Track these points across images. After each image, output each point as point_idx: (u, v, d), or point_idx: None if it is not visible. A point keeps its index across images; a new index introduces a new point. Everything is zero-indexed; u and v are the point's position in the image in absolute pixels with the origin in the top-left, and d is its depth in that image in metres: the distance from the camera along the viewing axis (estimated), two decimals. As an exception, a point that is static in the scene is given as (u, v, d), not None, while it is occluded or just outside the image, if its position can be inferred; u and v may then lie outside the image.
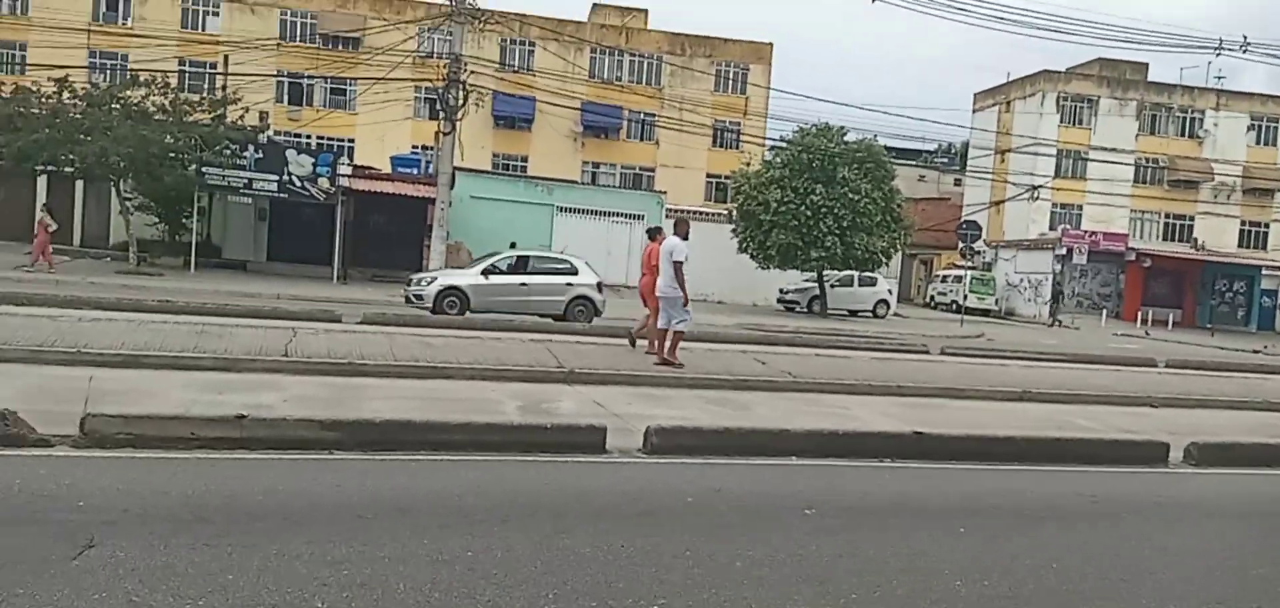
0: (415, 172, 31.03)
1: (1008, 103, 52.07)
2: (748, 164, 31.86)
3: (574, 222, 33.39)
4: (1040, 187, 43.94)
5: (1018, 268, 45.72)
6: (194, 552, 4.52)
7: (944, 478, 7.81)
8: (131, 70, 31.37)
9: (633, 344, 13.22)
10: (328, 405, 8.23)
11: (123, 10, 42.23)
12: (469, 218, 31.45)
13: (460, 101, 23.91)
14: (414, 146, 39.95)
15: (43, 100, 23.98)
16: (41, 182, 28.22)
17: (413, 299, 19.51)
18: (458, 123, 24.11)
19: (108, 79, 29.52)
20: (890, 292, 35.25)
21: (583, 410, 9.19)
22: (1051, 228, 47.14)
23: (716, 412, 9.87)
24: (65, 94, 24.27)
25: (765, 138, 42.06)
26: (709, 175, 46.40)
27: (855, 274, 32.55)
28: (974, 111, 55.03)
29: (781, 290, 33.01)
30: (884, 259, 30.45)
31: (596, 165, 46.18)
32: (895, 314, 35.00)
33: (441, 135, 24.33)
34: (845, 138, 29.77)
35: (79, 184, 28.86)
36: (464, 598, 4.29)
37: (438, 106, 24.62)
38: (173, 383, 8.91)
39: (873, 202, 28.70)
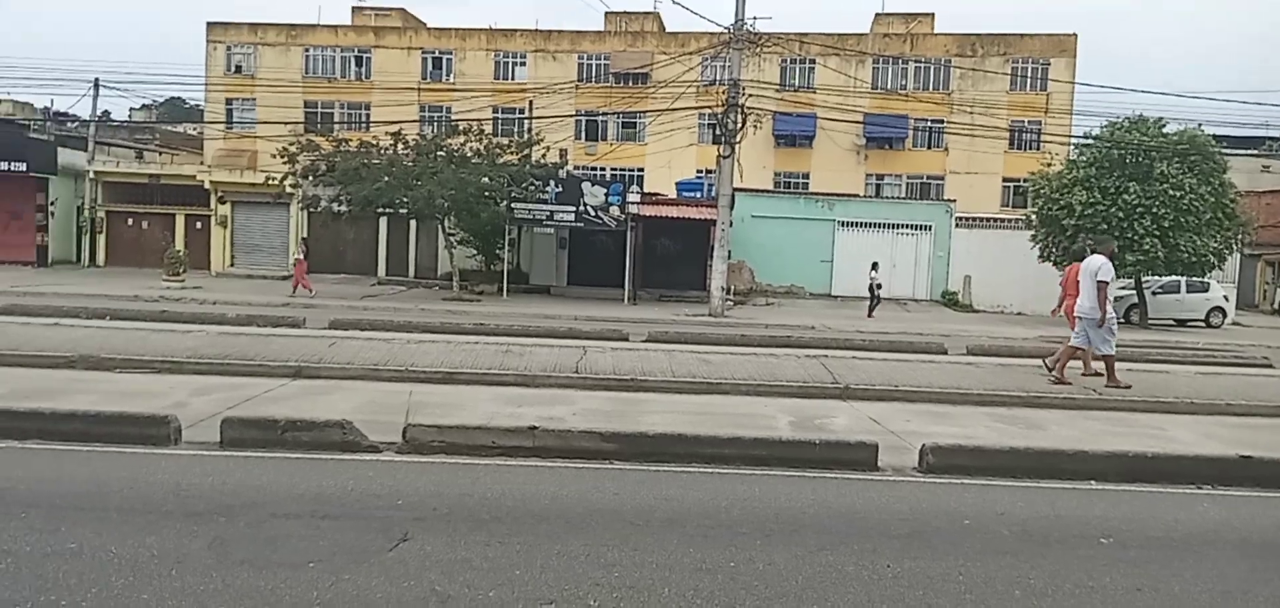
0: (699, 195, 31.98)
1: (1380, 73, 43.96)
2: (1049, 165, 29.47)
3: (856, 235, 32.70)
4: None
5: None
6: (488, 548, 5.05)
7: (1278, 508, 6.81)
8: (453, 120, 35.21)
9: (1048, 369, 12.36)
10: (609, 418, 8.76)
11: (446, 69, 47.48)
12: (750, 237, 31.87)
13: (739, 125, 24.36)
14: (698, 171, 41.19)
15: (381, 152, 27.59)
16: (382, 222, 32.41)
17: None
18: (737, 145, 24.56)
19: (434, 130, 33.31)
20: (1227, 298, 30.92)
21: (856, 427, 9.03)
22: None
23: (1004, 430, 9.27)
24: (399, 146, 27.74)
25: (1069, 136, 38.70)
26: (1005, 180, 43.50)
27: (1181, 280, 28.96)
28: (1334, 86, 47.02)
29: (1092, 300, 30.15)
30: (1216, 262, 26.80)
31: (880, 177, 44.89)
32: (1233, 323, 30.67)
33: (721, 159, 24.91)
34: (1163, 129, 26.67)
35: (412, 223, 32.76)
36: (724, 607, 4.43)
37: (718, 132, 25.25)
38: (480, 397, 9.92)
39: (1199, 198, 25.41)
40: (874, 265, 28.15)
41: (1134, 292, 28.71)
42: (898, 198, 41.82)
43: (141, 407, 8.04)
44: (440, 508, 5.76)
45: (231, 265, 33.91)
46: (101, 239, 34.83)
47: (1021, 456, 7.57)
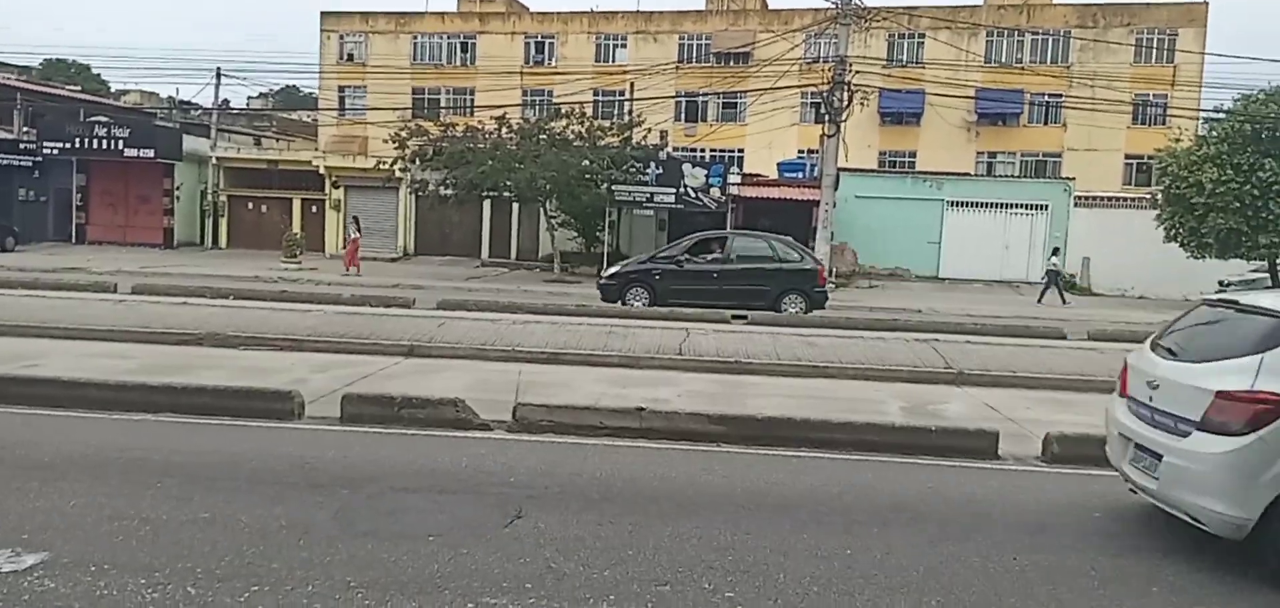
0: (800, 176, 31.48)
1: None
2: (1176, 141, 27.82)
3: (966, 216, 31.59)
4: None
5: None
6: (601, 527, 5.05)
7: None
8: (555, 104, 35.57)
9: None
10: (715, 401, 8.69)
11: (548, 52, 47.97)
12: (854, 218, 31.17)
13: (844, 103, 23.82)
14: (800, 151, 40.51)
15: (486, 136, 28.07)
16: (486, 205, 33.02)
17: None
18: (842, 124, 24.04)
19: (536, 113, 33.66)
20: (1369, 281, 28.66)
21: (972, 414, 8.72)
22: None
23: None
24: (503, 130, 28.18)
25: (1198, 110, 36.46)
26: (1128, 156, 41.31)
27: (1321, 263, 26.99)
28: None
29: (1221, 283, 28.37)
30: (1362, 242, 24.87)
31: (992, 155, 43.21)
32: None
33: (825, 138, 24.43)
34: (1304, 101, 24.85)
35: (515, 206, 33.31)
36: (842, 596, 4.32)
37: (822, 110, 24.76)
38: (585, 377, 9.99)
39: (1345, 174, 23.62)
40: (1054, 251, 26.85)
41: (1268, 274, 26.93)
42: (1011, 176, 40.23)
43: (266, 383, 8.38)
44: (551, 486, 5.80)
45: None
46: (223, 222, 36.56)
47: (1154, 447, 7.15)
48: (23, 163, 34.38)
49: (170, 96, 49.83)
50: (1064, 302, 25.21)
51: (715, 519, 5.28)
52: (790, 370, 10.81)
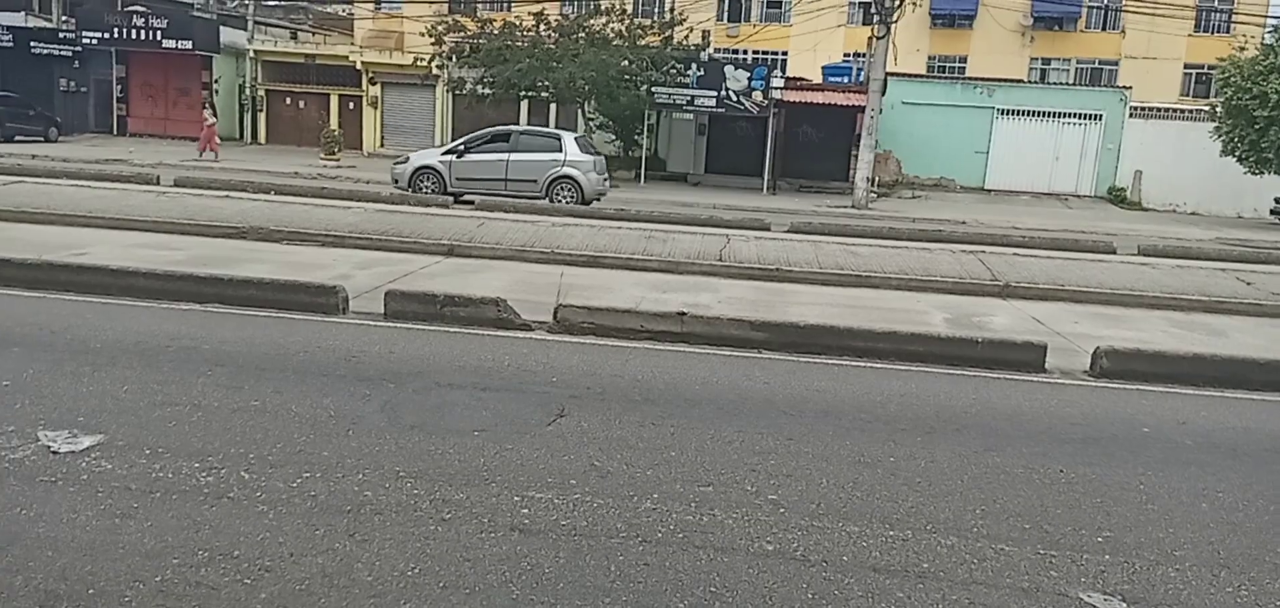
0: (846, 80, 30.74)
1: None
2: (1241, 50, 26.70)
3: (1016, 125, 30.76)
4: None
5: None
6: (643, 428, 5.06)
7: None
8: (594, 1, 34.85)
9: None
10: (756, 308, 8.63)
11: (586, -53, 46.85)
12: (900, 126, 30.50)
13: (895, 3, 23.05)
14: (846, 55, 39.50)
15: (524, 34, 27.65)
16: (524, 106, 32.71)
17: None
18: (892, 26, 23.30)
19: (576, 10, 33.06)
20: None
21: (1018, 327, 8.59)
22: None
23: (1183, 336, 8.63)
24: (541, 27, 27.72)
25: (1266, 17, 34.86)
26: (1187, 66, 39.78)
27: (1390, 180, 26.03)
28: None
29: (1277, 199, 27.56)
30: None
31: (1046, 62, 41.83)
32: None
33: (874, 40, 23.72)
34: (1383, 8, 23.67)
35: (552, 107, 32.97)
36: (886, 501, 4.30)
37: (871, 10, 24.00)
38: (625, 281, 9.97)
39: None
40: None
41: (1331, 193, 26.08)
42: (1065, 84, 38.97)
43: (311, 277, 8.44)
44: (593, 387, 5.82)
45: (382, 146, 35.12)
46: (262, 117, 36.62)
47: (1205, 363, 7.03)
48: (62, 52, 34.47)
49: (206, -15, 49.29)
50: None
51: (757, 424, 5.27)
52: (832, 279, 10.71)
